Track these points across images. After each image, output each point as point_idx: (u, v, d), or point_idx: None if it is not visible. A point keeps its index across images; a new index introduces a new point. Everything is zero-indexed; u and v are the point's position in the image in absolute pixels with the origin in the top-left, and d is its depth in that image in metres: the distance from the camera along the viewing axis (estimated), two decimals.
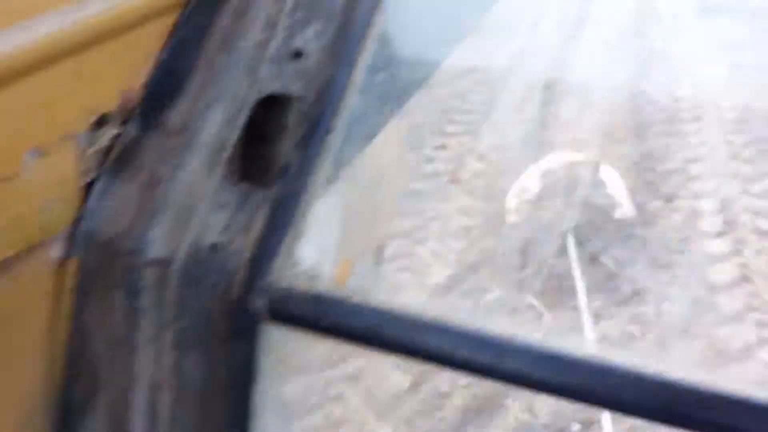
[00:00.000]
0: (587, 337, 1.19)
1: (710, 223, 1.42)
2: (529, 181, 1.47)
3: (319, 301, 0.37)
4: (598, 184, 1.43)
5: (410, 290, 1.31)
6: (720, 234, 1.37)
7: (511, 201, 1.45)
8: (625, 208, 1.43)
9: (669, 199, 1.50)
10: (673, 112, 1.58)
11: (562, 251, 1.31)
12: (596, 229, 1.30)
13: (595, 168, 1.47)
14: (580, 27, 1.81)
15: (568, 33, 1.81)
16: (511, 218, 1.42)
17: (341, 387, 1.11)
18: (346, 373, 1.12)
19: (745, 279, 1.34)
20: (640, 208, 1.46)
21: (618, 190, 1.45)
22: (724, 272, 1.32)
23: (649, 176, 1.56)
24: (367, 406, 1.10)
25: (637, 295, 1.29)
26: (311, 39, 0.41)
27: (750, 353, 1.28)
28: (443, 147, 1.57)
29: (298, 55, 0.40)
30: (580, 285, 1.27)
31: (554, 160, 1.52)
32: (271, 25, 0.41)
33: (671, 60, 1.71)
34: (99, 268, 0.39)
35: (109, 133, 0.40)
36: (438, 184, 1.49)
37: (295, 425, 0.94)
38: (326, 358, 1.09)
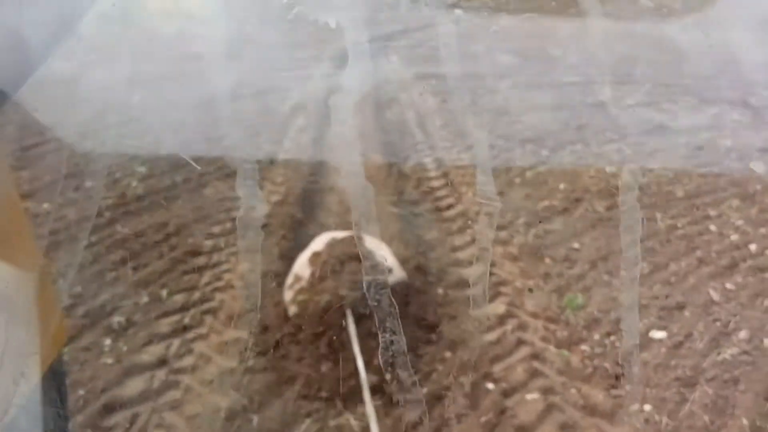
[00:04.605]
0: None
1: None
2: (300, 270, 1.49)
3: None
4: (367, 255, 1.44)
5: None
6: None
7: (288, 293, 1.46)
8: (396, 273, 1.48)
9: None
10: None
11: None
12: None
13: (360, 241, 1.47)
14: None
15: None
16: (292, 310, 1.43)
17: None
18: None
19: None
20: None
21: (387, 257, 1.49)
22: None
23: None
24: None
25: None
26: None
27: None
28: None
29: None
30: (360, 361, 1.31)
31: (319, 242, 1.55)
32: None
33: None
34: None
35: None
36: None
37: None
38: None
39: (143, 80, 2.36)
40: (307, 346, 1.37)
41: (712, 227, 2.00)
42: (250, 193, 2.10)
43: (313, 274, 1.45)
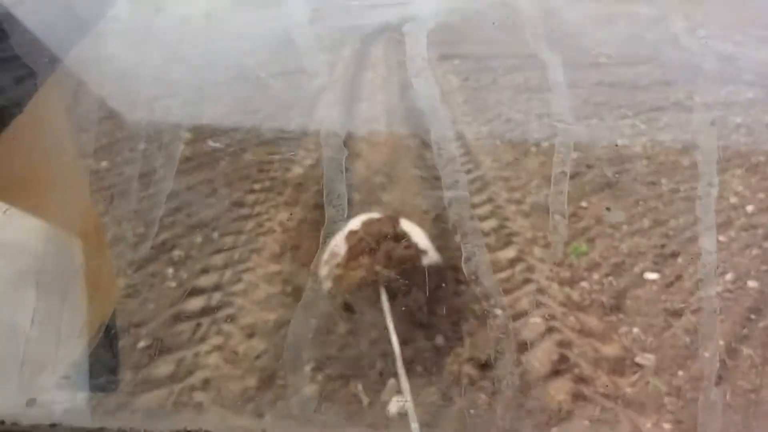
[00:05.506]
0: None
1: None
2: (335, 247, 1.50)
3: None
4: (401, 236, 1.47)
5: None
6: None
7: (323, 269, 1.47)
8: (430, 255, 1.48)
9: None
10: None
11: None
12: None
13: (395, 222, 1.52)
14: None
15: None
16: (326, 285, 1.45)
17: None
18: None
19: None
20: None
21: (421, 240, 1.50)
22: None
23: None
24: None
25: None
26: None
27: None
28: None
29: None
30: (395, 338, 1.33)
31: (355, 221, 1.56)
32: None
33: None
34: None
35: None
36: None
37: None
38: None
39: (179, 59, 2.57)
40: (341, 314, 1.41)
41: (713, 191, 2.17)
42: (285, 158, 2.32)
43: (349, 251, 1.48)
